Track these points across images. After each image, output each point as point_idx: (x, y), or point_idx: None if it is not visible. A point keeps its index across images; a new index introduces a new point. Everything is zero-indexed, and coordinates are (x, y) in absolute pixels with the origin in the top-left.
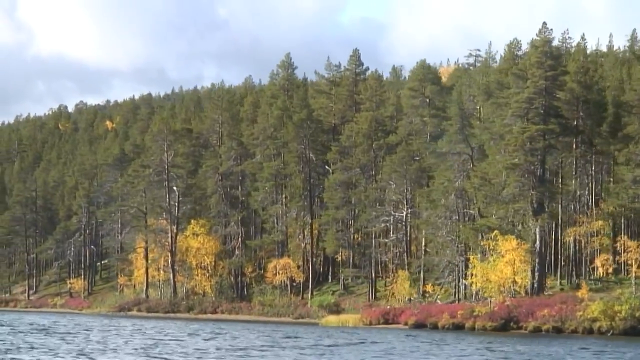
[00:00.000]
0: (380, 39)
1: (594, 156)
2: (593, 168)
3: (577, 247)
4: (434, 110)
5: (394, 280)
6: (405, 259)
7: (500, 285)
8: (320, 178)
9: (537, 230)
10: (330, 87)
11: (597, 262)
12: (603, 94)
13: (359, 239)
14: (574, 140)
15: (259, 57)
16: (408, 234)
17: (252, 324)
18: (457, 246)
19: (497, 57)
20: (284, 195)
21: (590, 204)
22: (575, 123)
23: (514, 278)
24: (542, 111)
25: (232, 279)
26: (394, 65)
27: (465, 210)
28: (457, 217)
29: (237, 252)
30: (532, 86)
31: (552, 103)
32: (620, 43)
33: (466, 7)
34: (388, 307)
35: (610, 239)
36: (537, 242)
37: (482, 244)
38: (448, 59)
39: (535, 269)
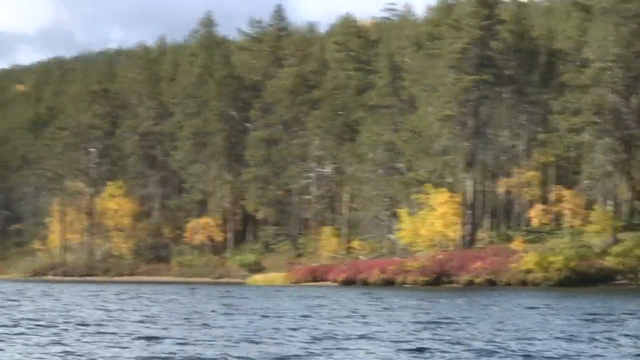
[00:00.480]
0: None
1: (525, 106)
2: (525, 118)
3: (509, 199)
4: (358, 64)
5: (318, 237)
6: (330, 215)
7: (431, 239)
8: (242, 136)
9: (470, 182)
10: (252, 43)
11: (532, 213)
12: (535, 43)
13: (280, 196)
14: (505, 90)
15: (170, 17)
16: (332, 189)
17: (171, 285)
18: (383, 200)
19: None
20: (204, 155)
21: (522, 155)
22: (508, 73)
23: (445, 231)
24: (476, 61)
25: (150, 240)
26: (309, 22)
27: (392, 164)
28: (383, 172)
29: (155, 212)
30: (467, 36)
31: (486, 53)
32: None
33: None
34: (314, 264)
35: (542, 190)
36: (469, 194)
37: (413, 197)
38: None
39: (467, 221)
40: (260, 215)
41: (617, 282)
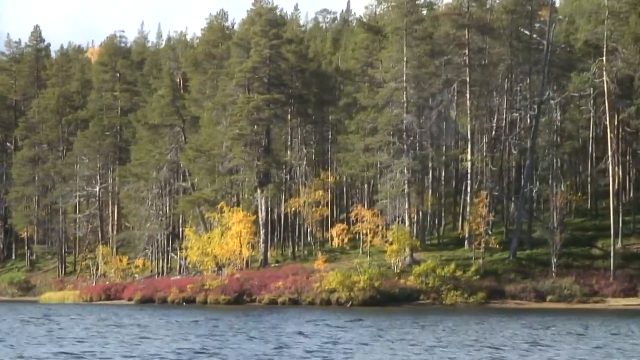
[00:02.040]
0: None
1: (310, 126)
2: (315, 139)
3: (298, 218)
4: (125, 84)
5: (90, 256)
6: (100, 234)
7: (228, 258)
8: (6, 155)
9: (263, 201)
10: (11, 63)
11: (333, 232)
12: (319, 64)
13: (47, 215)
14: (290, 110)
15: None
16: (101, 208)
17: None
18: (161, 219)
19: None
20: None
21: (310, 174)
22: (294, 92)
23: (241, 250)
24: (266, 80)
25: None
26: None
27: (178, 183)
28: (160, 190)
29: None
30: (256, 55)
31: (276, 72)
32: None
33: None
34: (107, 282)
35: (339, 210)
36: (263, 213)
37: (207, 216)
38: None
39: (261, 240)
40: (25, 233)
41: (421, 301)
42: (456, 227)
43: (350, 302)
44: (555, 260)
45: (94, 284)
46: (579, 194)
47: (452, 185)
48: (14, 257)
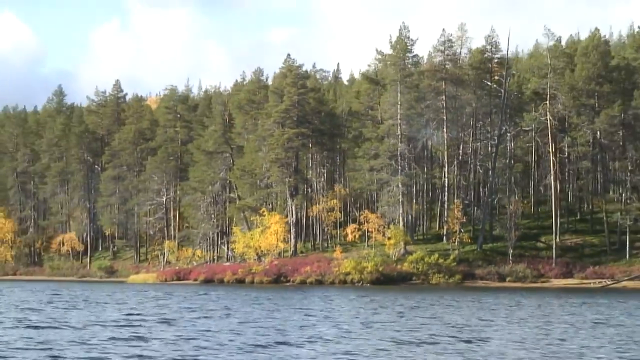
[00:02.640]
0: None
1: (326, 152)
2: (329, 162)
3: (319, 220)
4: (184, 122)
5: (157, 248)
6: (166, 232)
7: (268, 250)
8: (95, 175)
9: (293, 207)
10: (98, 107)
11: (347, 230)
12: (336, 106)
13: (125, 218)
14: (311, 141)
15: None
16: (167, 213)
17: (52, 282)
18: (213, 221)
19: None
20: (67, 187)
21: (326, 188)
22: (316, 128)
23: (277, 243)
24: (295, 119)
25: (27, 249)
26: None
27: (227, 194)
28: (212, 200)
29: (30, 230)
30: (289, 100)
31: (303, 112)
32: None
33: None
34: (177, 267)
35: (352, 214)
36: (293, 216)
37: (251, 219)
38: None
39: (292, 236)
40: (108, 231)
41: (413, 282)
42: (433, 226)
43: (361, 283)
44: (511, 251)
45: (161, 269)
46: (525, 202)
47: (431, 196)
48: (100, 249)
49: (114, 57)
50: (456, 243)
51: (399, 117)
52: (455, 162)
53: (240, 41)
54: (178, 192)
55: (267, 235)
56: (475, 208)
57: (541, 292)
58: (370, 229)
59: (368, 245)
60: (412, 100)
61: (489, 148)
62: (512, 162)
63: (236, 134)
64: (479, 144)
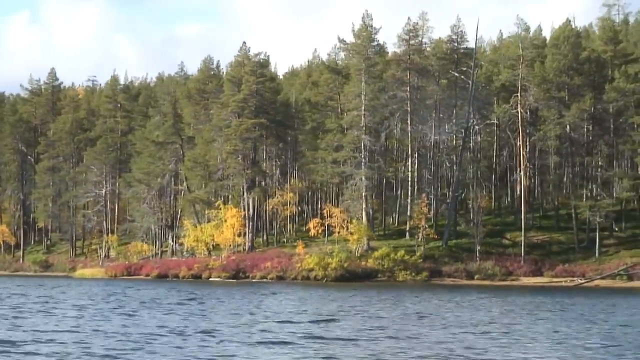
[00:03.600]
0: None
1: (282, 145)
2: (284, 154)
3: (276, 214)
4: (125, 112)
5: (96, 242)
6: (104, 225)
7: (223, 245)
8: (29, 165)
9: (250, 201)
10: (32, 96)
11: (310, 225)
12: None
13: (61, 211)
14: (267, 132)
15: None
16: (106, 206)
17: None
18: (157, 215)
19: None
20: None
21: (282, 181)
22: (273, 119)
23: (233, 238)
24: (253, 108)
25: None
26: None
27: (173, 186)
28: (156, 192)
29: None
30: (247, 89)
31: (261, 102)
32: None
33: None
34: (126, 262)
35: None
36: (250, 210)
37: (206, 212)
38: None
39: (249, 231)
40: (42, 224)
41: (379, 279)
42: (394, 221)
43: (325, 279)
44: (478, 248)
45: (100, 263)
46: (487, 197)
47: (394, 190)
48: (32, 242)
49: (25, 49)
50: (421, 239)
51: (363, 107)
52: (416, 155)
53: (152, 34)
54: (119, 184)
55: (223, 230)
56: (440, 203)
57: (516, 290)
58: (333, 224)
59: (329, 241)
60: (376, 91)
61: (454, 141)
62: (479, 155)
63: (185, 125)
64: (445, 137)
